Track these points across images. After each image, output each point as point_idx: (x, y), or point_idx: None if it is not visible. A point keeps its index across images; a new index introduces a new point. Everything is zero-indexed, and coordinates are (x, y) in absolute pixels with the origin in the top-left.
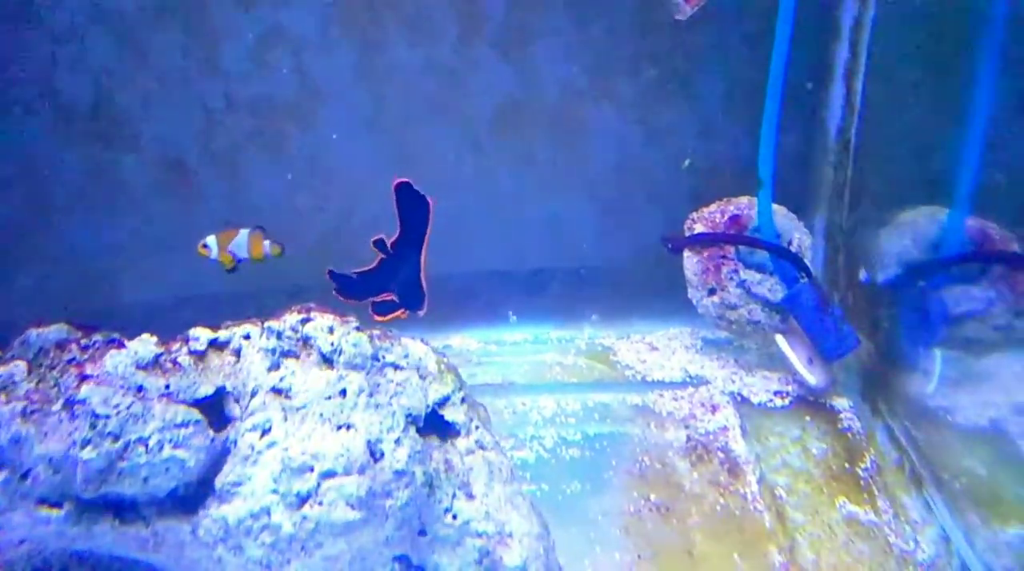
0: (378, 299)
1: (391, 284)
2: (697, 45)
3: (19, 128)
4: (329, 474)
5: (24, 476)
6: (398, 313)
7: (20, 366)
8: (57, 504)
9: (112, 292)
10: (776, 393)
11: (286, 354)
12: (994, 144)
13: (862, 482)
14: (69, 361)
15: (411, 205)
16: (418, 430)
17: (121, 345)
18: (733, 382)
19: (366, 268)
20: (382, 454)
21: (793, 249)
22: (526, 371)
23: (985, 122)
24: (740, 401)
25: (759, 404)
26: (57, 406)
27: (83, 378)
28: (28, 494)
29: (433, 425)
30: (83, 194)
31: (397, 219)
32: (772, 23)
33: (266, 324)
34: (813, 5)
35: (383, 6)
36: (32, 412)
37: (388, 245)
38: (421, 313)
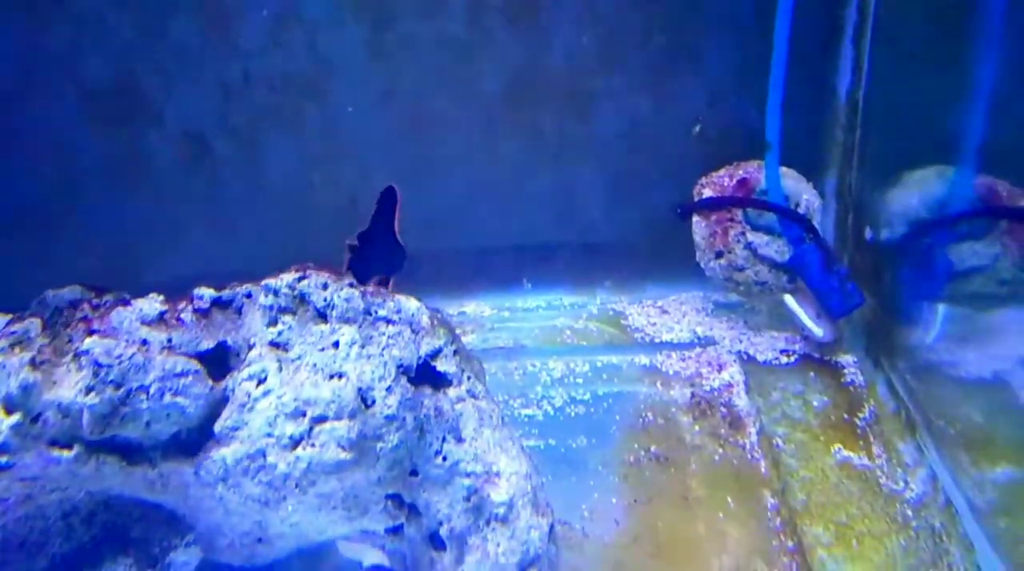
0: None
1: (371, 262)
2: (706, 12)
3: (46, 109)
4: (321, 419)
5: (35, 420)
6: (388, 285)
7: (35, 323)
8: (67, 446)
9: (136, 267)
10: (782, 352)
11: (283, 310)
12: (1000, 103)
13: (859, 431)
14: (80, 318)
15: (380, 199)
16: (410, 379)
17: (128, 303)
18: (740, 342)
19: (344, 266)
20: (373, 400)
21: (802, 210)
22: (537, 335)
23: (991, 81)
24: (746, 360)
25: (764, 362)
26: (67, 358)
27: (90, 332)
28: (39, 436)
29: (425, 375)
30: (107, 172)
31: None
32: None
33: (264, 282)
34: None
35: None
36: (42, 362)
37: (358, 238)
38: (402, 270)
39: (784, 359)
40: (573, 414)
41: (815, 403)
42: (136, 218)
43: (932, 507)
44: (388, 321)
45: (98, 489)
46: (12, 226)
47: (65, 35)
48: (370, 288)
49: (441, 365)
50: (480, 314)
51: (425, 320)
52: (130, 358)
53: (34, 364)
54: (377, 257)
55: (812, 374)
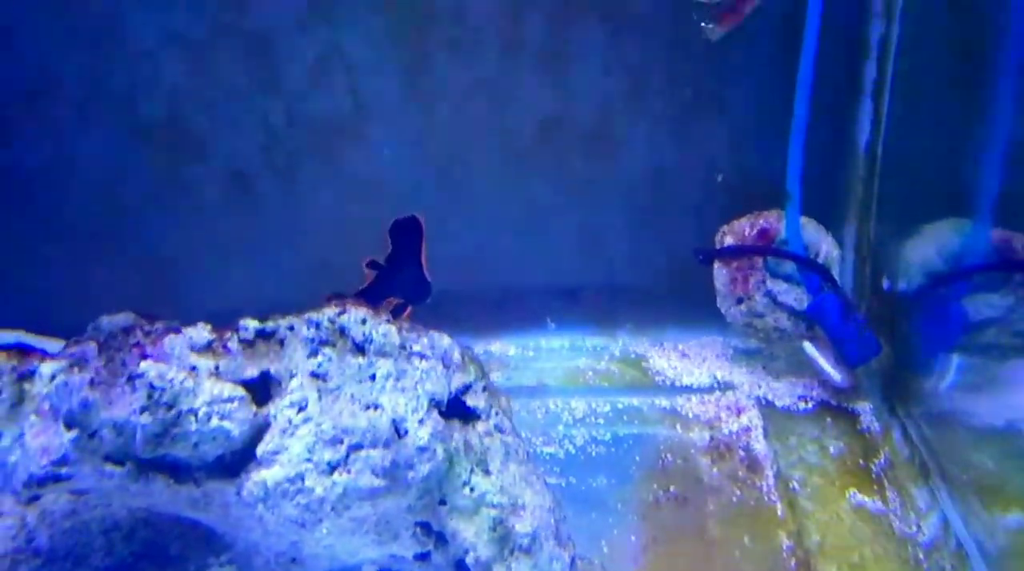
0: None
1: (394, 289)
2: (729, 64)
3: (100, 140)
4: (357, 446)
5: (92, 436)
6: (404, 313)
7: (92, 346)
8: (120, 462)
9: (177, 296)
10: (800, 398)
11: (323, 342)
12: (1017, 157)
13: (874, 476)
14: (134, 344)
15: (402, 228)
16: (441, 413)
17: (179, 331)
18: (759, 387)
19: (364, 286)
20: (406, 431)
21: (821, 260)
22: (560, 375)
23: (1008, 135)
24: (765, 405)
25: (783, 407)
26: (122, 380)
27: (144, 357)
28: (96, 451)
29: (455, 409)
30: (154, 202)
31: (390, 245)
32: (801, 42)
33: (307, 315)
34: (842, 25)
35: (431, 28)
36: (99, 383)
37: (381, 262)
38: (427, 301)
39: (802, 405)
40: (594, 453)
41: (831, 448)
42: (179, 249)
43: (943, 550)
44: (422, 356)
45: (146, 504)
46: (62, 252)
47: (123, 73)
48: (405, 324)
49: (471, 400)
50: (505, 353)
51: (457, 356)
52: (181, 382)
53: (93, 384)
54: (400, 284)
55: (829, 420)
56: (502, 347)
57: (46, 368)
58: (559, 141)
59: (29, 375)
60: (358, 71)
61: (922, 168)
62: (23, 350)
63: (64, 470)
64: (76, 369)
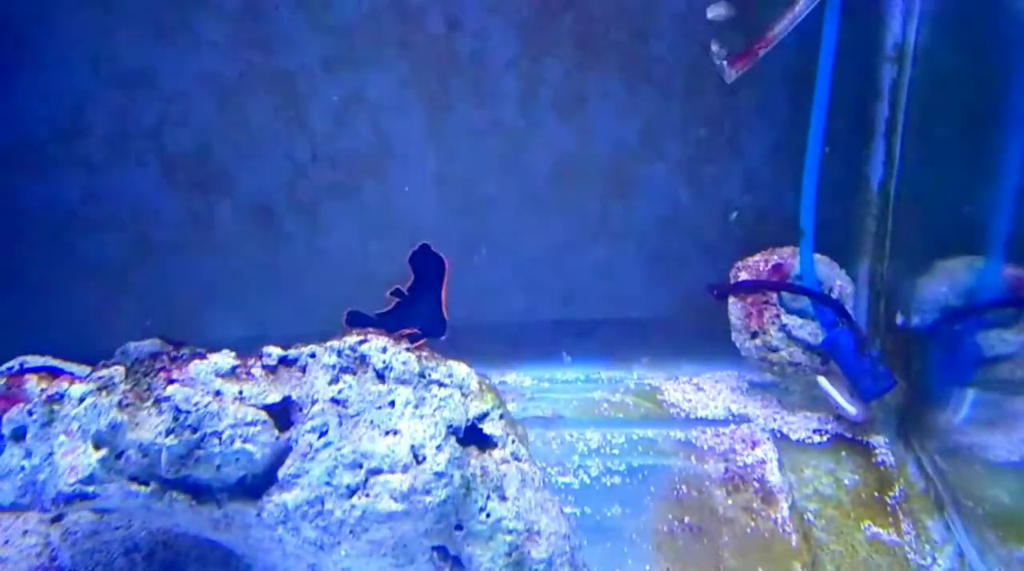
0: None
1: (412, 320)
2: (743, 104)
3: (131, 176)
4: (376, 471)
5: (119, 456)
6: (418, 344)
7: (119, 370)
8: (144, 482)
9: (200, 325)
10: (815, 431)
11: (344, 370)
12: None
13: (889, 508)
14: (160, 368)
15: (426, 262)
16: (458, 440)
17: (204, 357)
18: (775, 420)
19: (385, 310)
20: (424, 457)
21: (834, 296)
22: (575, 407)
23: (1020, 174)
24: (779, 437)
25: (797, 440)
26: (148, 403)
27: (170, 381)
28: (122, 471)
29: (473, 437)
30: (181, 236)
31: (411, 273)
32: (814, 84)
33: (328, 344)
34: (855, 66)
35: (452, 73)
36: (127, 405)
37: (404, 290)
38: (442, 338)
39: (817, 438)
40: (609, 484)
41: (846, 481)
42: (203, 280)
43: None
44: (440, 384)
45: (168, 525)
46: (88, 279)
47: (154, 111)
48: (424, 353)
49: (488, 428)
50: (521, 384)
51: (474, 385)
52: (206, 406)
53: (120, 406)
54: (418, 317)
55: (844, 453)
56: (518, 378)
57: (75, 390)
58: (576, 180)
59: (59, 397)
60: (381, 112)
61: (935, 206)
62: (53, 373)
63: (91, 489)
64: (104, 392)
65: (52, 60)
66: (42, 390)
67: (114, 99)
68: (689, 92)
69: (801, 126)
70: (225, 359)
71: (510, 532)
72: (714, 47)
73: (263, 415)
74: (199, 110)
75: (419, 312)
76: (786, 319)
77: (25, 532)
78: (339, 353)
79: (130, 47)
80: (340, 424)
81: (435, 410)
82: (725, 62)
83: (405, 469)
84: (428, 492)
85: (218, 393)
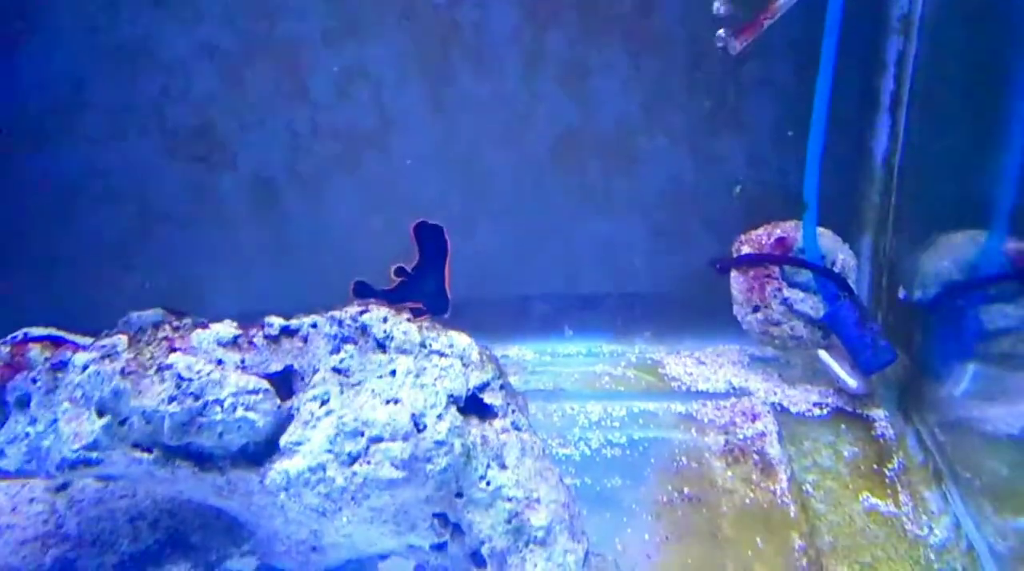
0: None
1: (415, 297)
2: (747, 78)
3: (133, 148)
4: (377, 439)
5: (122, 423)
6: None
7: (122, 339)
8: (148, 449)
9: (201, 298)
10: (815, 404)
11: (346, 340)
12: None
13: (887, 480)
14: (163, 337)
15: (428, 238)
16: (459, 409)
17: (206, 326)
18: (775, 394)
19: (390, 287)
20: (425, 426)
21: (837, 269)
22: (577, 380)
23: (1023, 148)
24: (780, 411)
25: (797, 413)
26: (151, 371)
27: (172, 349)
28: (125, 438)
29: (473, 406)
30: (183, 208)
31: (417, 251)
32: (819, 56)
33: (329, 314)
34: (860, 40)
35: (454, 44)
36: (130, 372)
37: (408, 269)
38: (446, 316)
39: (817, 411)
40: (609, 456)
41: (846, 453)
42: (205, 252)
43: (955, 551)
44: (441, 354)
45: (172, 491)
46: (90, 252)
47: (154, 83)
48: (425, 322)
49: (488, 398)
50: (523, 358)
51: (475, 355)
52: (208, 374)
53: (123, 373)
54: (421, 294)
55: (844, 426)
56: (520, 352)
57: (79, 358)
58: (579, 153)
59: (62, 365)
60: (382, 84)
61: (938, 180)
62: (56, 342)
63: (95, 455)
64: (107, 360)
65: (52, 31)
66: (46, 359)
67: (115, 71)
68: (693, 65)
69: (806, 99)
70: (227, 329)
71: (510, 500)
72: (720, 32)
73: (265, 384)
74: (200, 82)
75: (423, 290)
76: (788, 293)
77: (32, 500)
78: (340, 323)
79: (130, 18)
80: (341, 393)
81: (436, 380)
82: (730, 34)
83: (406, 437)
84: (429, 460)
85: (220, 362)
